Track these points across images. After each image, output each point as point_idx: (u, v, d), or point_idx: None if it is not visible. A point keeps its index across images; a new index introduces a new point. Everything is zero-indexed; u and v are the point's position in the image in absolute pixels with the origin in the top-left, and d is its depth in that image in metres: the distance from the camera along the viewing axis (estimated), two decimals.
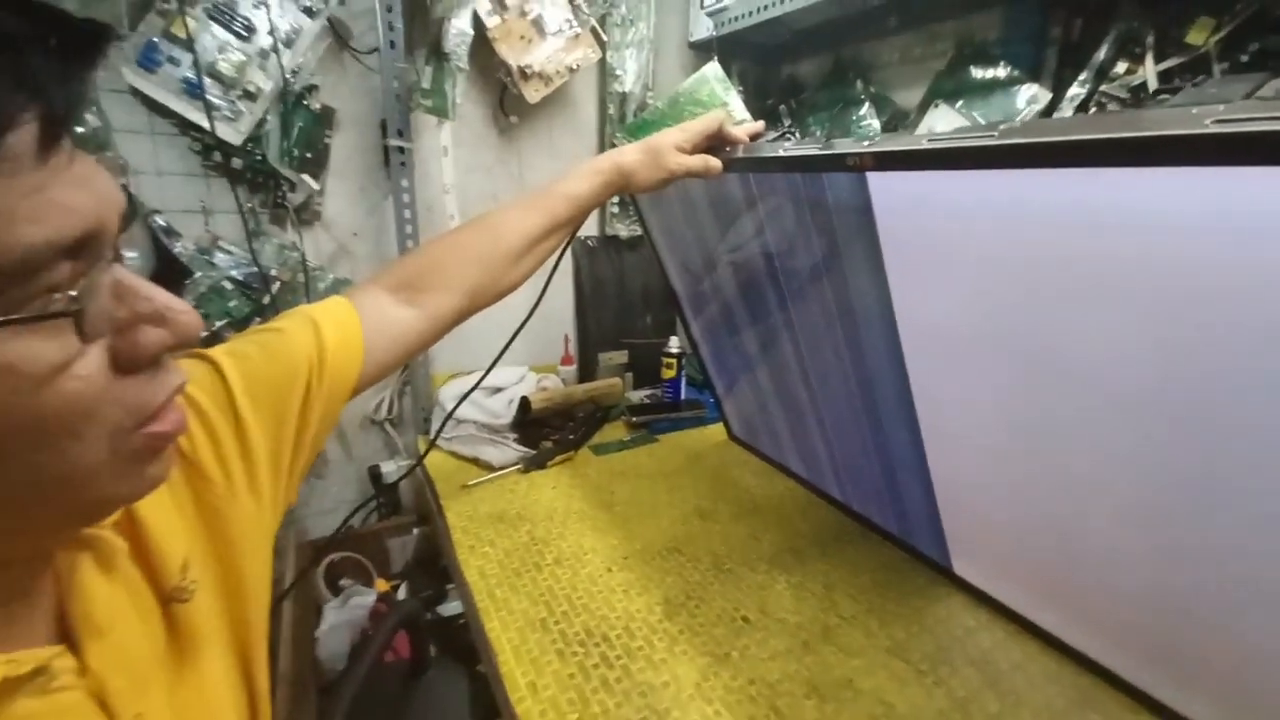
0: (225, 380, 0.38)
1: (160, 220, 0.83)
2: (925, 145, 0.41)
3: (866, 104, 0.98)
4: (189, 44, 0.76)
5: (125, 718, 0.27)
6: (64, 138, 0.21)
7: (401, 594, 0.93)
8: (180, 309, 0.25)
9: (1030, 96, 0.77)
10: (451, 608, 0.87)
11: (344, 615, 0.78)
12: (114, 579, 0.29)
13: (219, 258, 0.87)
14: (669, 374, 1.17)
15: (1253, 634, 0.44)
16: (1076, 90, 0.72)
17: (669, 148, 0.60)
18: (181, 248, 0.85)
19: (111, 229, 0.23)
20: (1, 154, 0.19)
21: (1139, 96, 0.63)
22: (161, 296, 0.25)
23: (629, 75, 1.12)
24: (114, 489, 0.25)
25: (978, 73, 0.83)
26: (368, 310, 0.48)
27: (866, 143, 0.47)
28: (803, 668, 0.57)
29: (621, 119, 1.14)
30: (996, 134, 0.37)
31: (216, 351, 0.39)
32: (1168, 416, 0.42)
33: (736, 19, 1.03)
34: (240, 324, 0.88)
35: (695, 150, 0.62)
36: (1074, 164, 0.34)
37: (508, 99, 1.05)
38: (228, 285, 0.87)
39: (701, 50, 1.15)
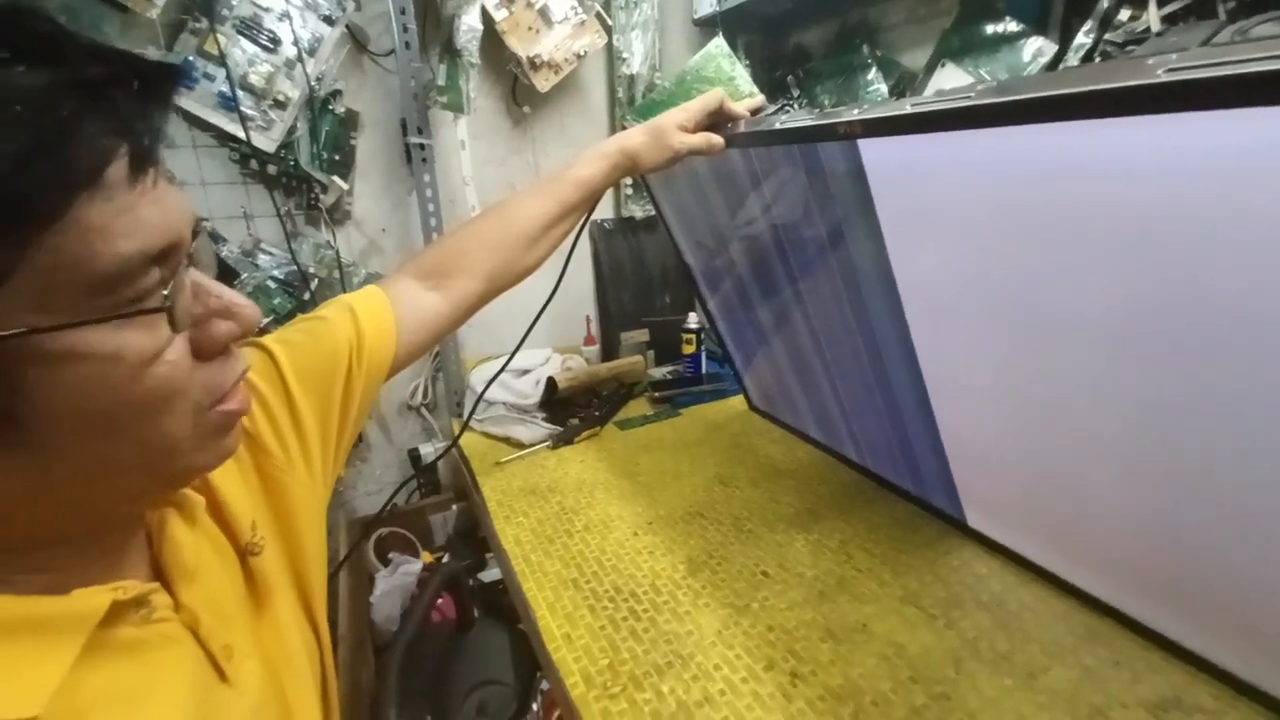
0: (278, 365, 0.43)
1: (207, 227, 0.90)
2: (909, 110, 0.43)
3: (874, 68, 0.98)
4: (221, 60, 0.82)
5: (215, 647, 0.32)
6: (150, 165, 0.25)
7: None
8: (244, 304, 0.30)
9: (1036, 50, 0.76)
10: (491, 574, 0.93)
11: (394, 582, 0.85)
12: (197, 531, 0.35)
13: (261, 259, 0.93)
14: (689, 350, 1.20)
15: (1252, 568, 0.45)
16: (1082, 40, 0.71)
17: (672, 128, 0.62)
18: (227, 251, 0.91)
19: (187, 238, 0.27)
20: (101, 183, 0.23)
21: (1141, 43, 0.62)
22: (229, 294, 0.29)
23: (636, 57, 1.14)
24: (198, 458, 0.29)
25: (984, 29, 0.83)
26: (398, 297, 0.53)
27: (856, 111, 0.49)
28: (819, 615, 0.61)
29: (631, 101, 1.16)
30: (973, 95, 0.39)
31: (269, 340, 0.44)
32: (1160, 359, 0.43)
33: None
34: (284, 320, 0.95)
35: (698, 128, 0.64)
36: (1045, 119, 0.36)
37: (519, 90, 1.08)
38: (271, 284, 0.93)
39: (706, 26, 1.16)
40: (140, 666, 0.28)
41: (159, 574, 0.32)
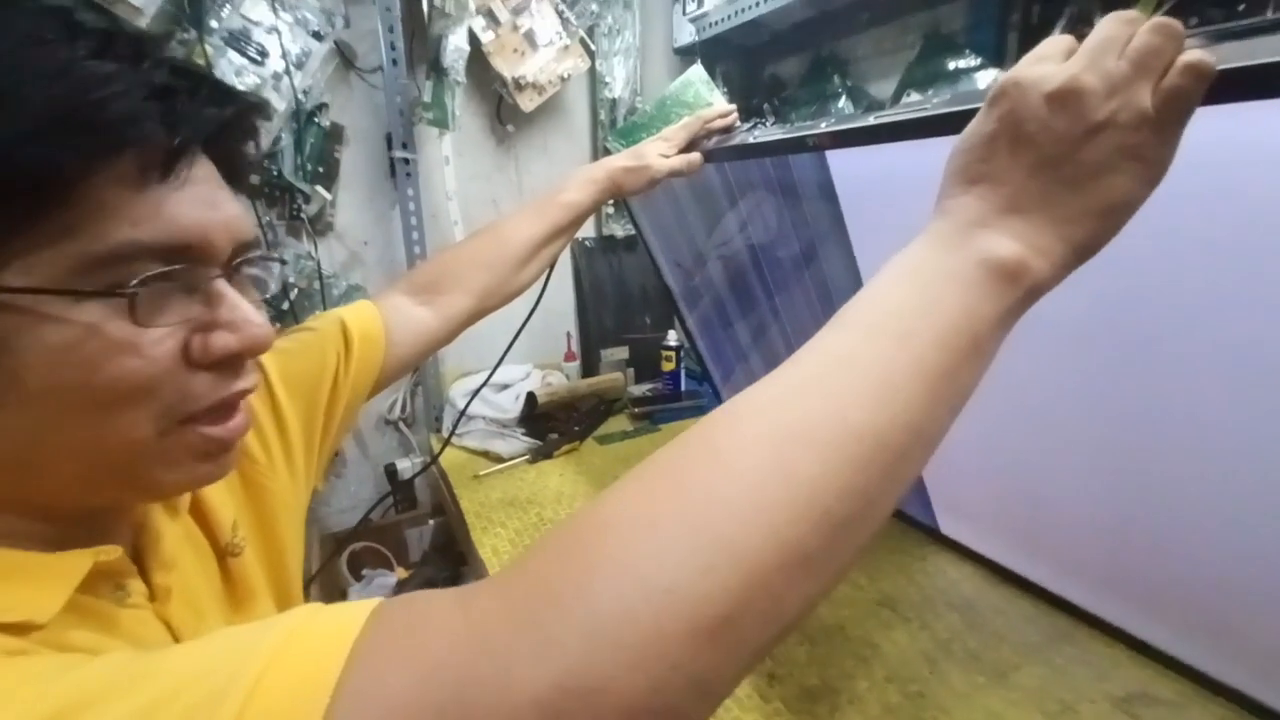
0: (265, 373, 0.44)
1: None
2: (871, 121, 0.46)
3: (844, 97, 1.03)
4: (208, 70, 0.83)
5: (187, 639, 0.31)
6: (184, 164, 0.26)
7: None
8: (256, 323, 0.28)
9: (991, 81, 0.81)
10: None
11: (367, 593, 0.83)
12: (178, 524, 0.35)
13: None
14: (669, 367, 1.22)
15: (1212, 567, 0.47)
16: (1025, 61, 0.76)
17: (653, 154, 0.65)
18: None
19: (216, 247, 0.27)
20: (123, 166, 0.24)
21: None
22: (246, 310, 0.28)
23: (617, 82, 1.17)
24: (164, 473, 0.28)
25: (945, 62, 0.88)
26: (389, 310, 0.54)
27: (823, 124, 0.51)
28: None
29: (612, 123, 1.20)
30: (929, 106, 0.42)
31: None
32: (1128, 366, 0.46)
33: (717, 23, 1.08)
34: None
35: (678, 151, 0.67)
36: None
37: (504, 109, 1.10)
38: None
39: (686, 55, 1.21)
40: (113, 642, 0.27)
41: (138, 563, 0.32)
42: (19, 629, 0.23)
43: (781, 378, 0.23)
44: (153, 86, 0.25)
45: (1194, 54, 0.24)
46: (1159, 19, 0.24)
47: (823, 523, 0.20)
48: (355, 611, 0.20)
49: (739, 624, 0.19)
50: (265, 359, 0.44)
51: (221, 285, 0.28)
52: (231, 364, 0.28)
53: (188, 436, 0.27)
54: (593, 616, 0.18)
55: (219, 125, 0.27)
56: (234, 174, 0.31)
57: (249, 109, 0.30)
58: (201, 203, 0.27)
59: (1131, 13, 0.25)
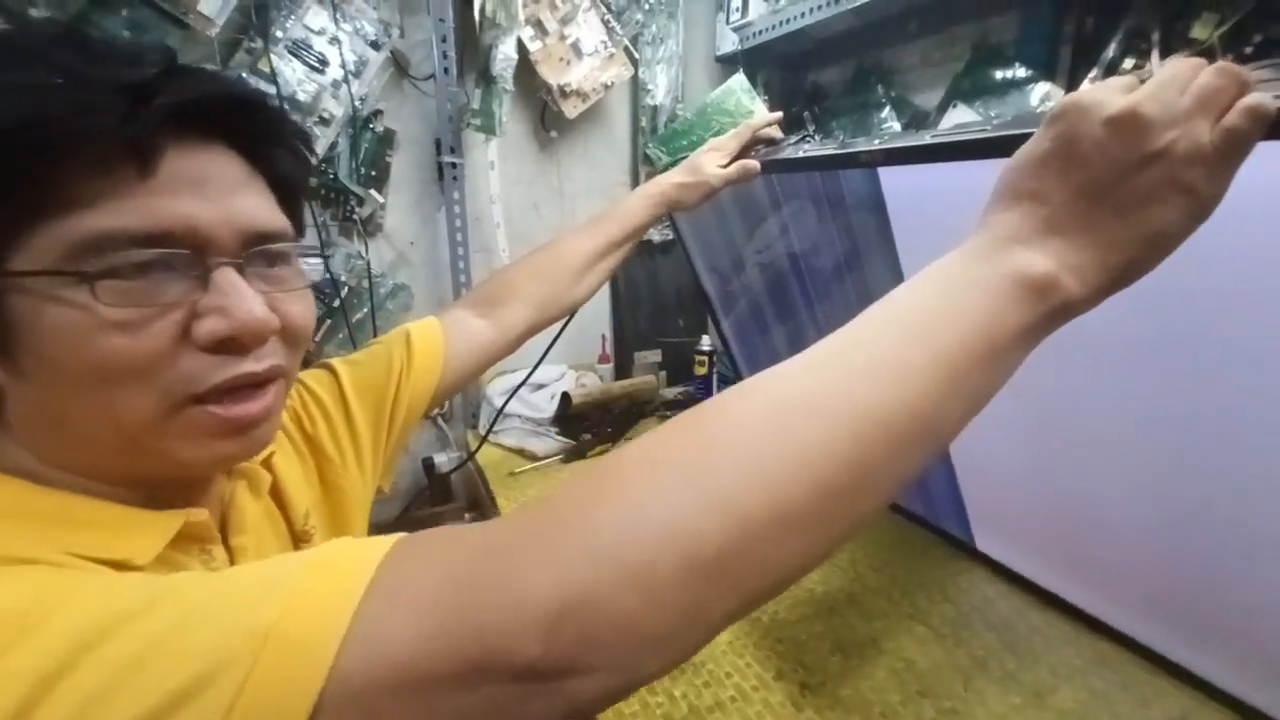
0: (339, 382, 0.48)
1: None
2: (929, 140, 0.46)
3: (887, 107, 1.02)
4: (273, 77, 0.87)
5: None
6: (153, 160, 0.27)
7: None
8: (246, 309, 0.29)
9: (1044, 94, 0.80)
10: None
11: None
12: (259, 503, 0.38)
13: None
14: (701, 371, 1.22)
15: (1261, 594, 0.46)
16: (1088, 87, 0.75)
17: (709, 165, 0.66)
18: None
19: (214, 237, 0.28)
20: (89, 164, 0.25)
21: None
22: (239, 298, 0.29)
23: (660, 89, 1.19)
24: (185, 448, 0.29)
25: (994, 73, 0.87)
26: (450, 323, 0.57)
27: (878, 141, 0.52)
28: (828, 629, 0.62)
29: (653, 130, 1.21)
30: (989, 128, 0.42)
31: (336, 361, 0.50)
32: (1174, 383, 0.45)
33: (760, 32, 1.09)
34: (317, 325, 0.98)
35: (732, 161, 0.68)
36: None
37: (548, 115, 1.13)
38: None
39: (728, 63, 1.21)
40: None
41: (222, 534, 0.35)
42: (118, 566, 0.26)
43: (800, 358, 0.25)
44: (120, 84, 0.26)
45: (1255, 96, 0.24)
46: (1223, 64, 0.25)
47: (818, 488, 0.21)
48: (388, 538, 0.22)
49: (729, 566, 0.20)
50: (339, 369, 0.49)
51: (222, 273, 0.29)
52: (231, 348, 0.29)
53: (196, 416, 0.28)
54: (595, 537, 0.20)
55: (171, 115, 0.27)
56: (274, 171, 0.32)
57: (229, 102, 0.29)
58: (193, 195, 0.28)
59: (1198, 59, 0.26)
